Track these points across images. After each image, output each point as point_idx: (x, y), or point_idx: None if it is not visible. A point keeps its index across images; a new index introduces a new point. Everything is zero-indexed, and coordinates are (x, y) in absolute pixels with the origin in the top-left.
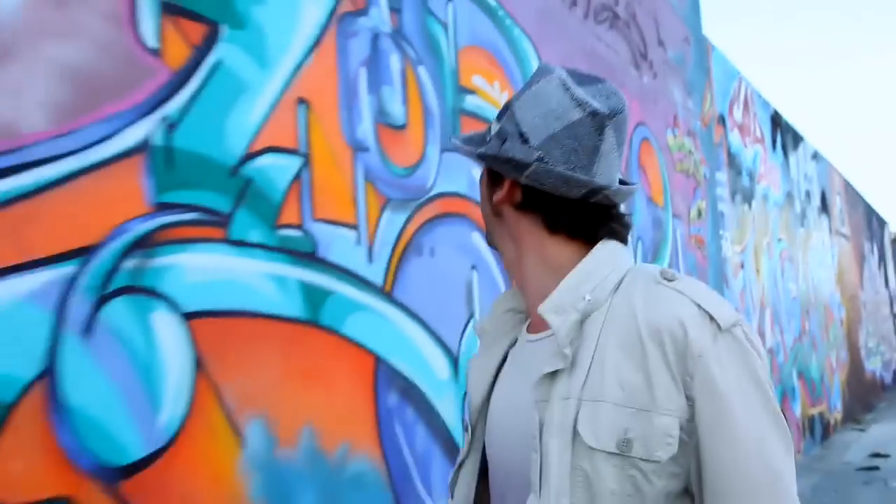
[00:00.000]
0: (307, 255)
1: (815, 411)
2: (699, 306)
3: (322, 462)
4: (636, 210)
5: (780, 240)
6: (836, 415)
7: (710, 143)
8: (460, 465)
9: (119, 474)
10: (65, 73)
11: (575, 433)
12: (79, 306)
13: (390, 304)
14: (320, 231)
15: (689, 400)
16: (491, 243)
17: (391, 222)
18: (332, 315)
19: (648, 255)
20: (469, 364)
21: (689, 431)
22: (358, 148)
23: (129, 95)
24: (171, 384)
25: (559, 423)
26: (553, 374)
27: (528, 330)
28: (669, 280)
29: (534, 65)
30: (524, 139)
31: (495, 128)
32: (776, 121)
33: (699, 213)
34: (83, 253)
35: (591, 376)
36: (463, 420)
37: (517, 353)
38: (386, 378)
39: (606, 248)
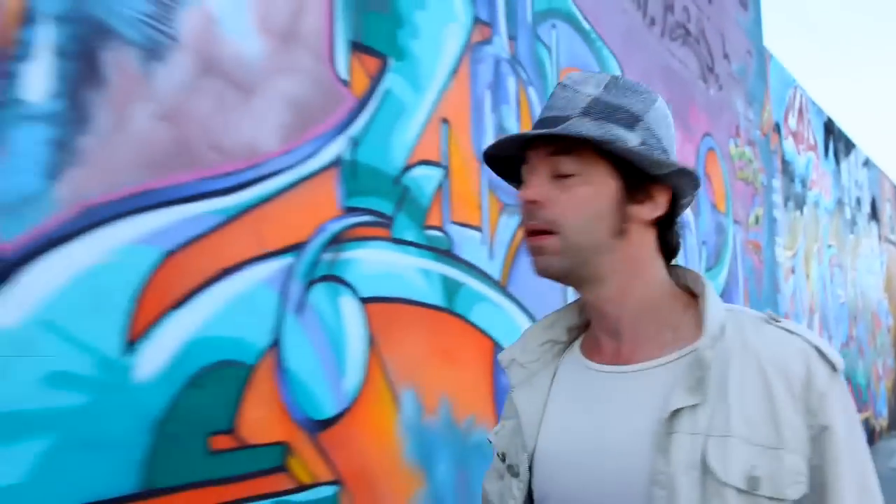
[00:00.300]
0: (445, 252)
1: (861, 417)
2: (814, 346)
3: (454, 430)
4: (702, 215)
5: (830, 246)
6: (882, 421)
7: (767, 151)
8: None
9: (318, 427)
10: (288, 103)
11: (705, 468)
12: (294, 290)
13: (505, 297)
14: (455, 232)
15: (811, 439)
16: (567, 277)
17: (507, 225)
18: (463, 304)
19: (711, 259)
20: (512, 398)
21: (810, 471)
22: (482, 160)
23: (327, 119)
24: (353, 356)
25: (687, 460)
26: (677, 410)
27: (591, 356)
28: (777, 321)
29: None
30: (665, 153)
31: (632, 137)
32: (829, 128)
33: (756, 220)
34: (297, 248)
35: (716, 412)
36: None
37: (582, 386)
38: None
39: (707, 280)
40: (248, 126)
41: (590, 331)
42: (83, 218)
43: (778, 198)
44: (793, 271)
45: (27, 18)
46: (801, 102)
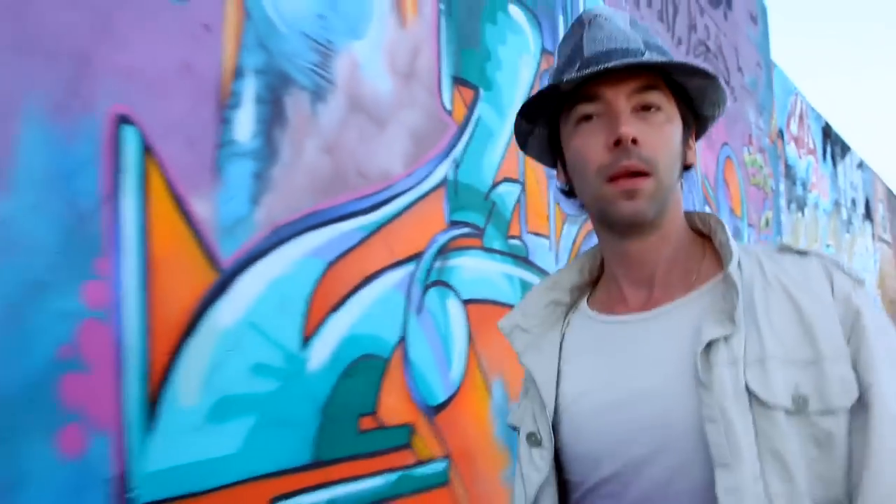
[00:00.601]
0: (523, 259)
1: None
2: (833, 262)
3: None
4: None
5: (828, 245)
6: None
7: (774, 157)
8: (540, 490)
9: (433, 411)
10: (409, 132)
11: (750, 395)
12: (415, 294)
13: None
14: (530, 241)
15: (849, 338)
16: (646, 224)
17: (569, 233)
18: None
19: None
20: (528, 368)
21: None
22: (549, 176)
23: (437, 145)
24: (458, 350)
25: (732, 389)
26: (710, 342)
27: (608, 310)
28: (790, 248)
29: None
30: None
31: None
32: (826, 132)
33: (766, 222)
34: (417, 257)
35: (749, 338)
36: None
37: (602, 339)
38: None
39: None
40: (382, 154)
41: (601, 288)
42: (273, 236)
43: (782, 201)
44: None
45: (238, 74)
46: (801, 109)
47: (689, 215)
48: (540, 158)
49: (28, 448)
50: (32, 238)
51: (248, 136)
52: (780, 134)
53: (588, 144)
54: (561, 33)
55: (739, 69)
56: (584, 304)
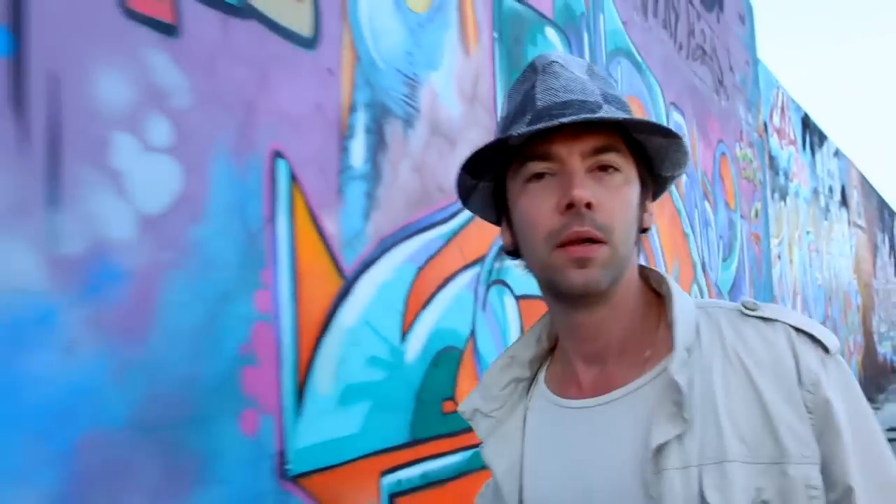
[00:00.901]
0: None
1: None
2: (800, 331)
3: None
4: (718, 213)
5: (808, 232)
6: None
7: (762, 150)
8: None
9: None
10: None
11: None
12: (481, 292)
13: None
14: None
15: (817, 432)
16: (599, 295)
17: None
18: None
19: (725, 251)
20: (485, 453)
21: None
22: None
23: None
24: (513, 341)
25: (683, 499)
26: (661, 444)
27: (563, 392)
28: (754, 310)
29: (661, 105)
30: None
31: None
32: (805, 122)
33: (756, 213)
34: (481, 259)
35: (705, 435)
36: None
37: (558, 428)
38: None
39: (671, 279)
40: (454, 170)
41: (555, 362)
42: (379, 247)
43: (768, 191)
44: (779, 258)
45: (352, 109)
46: (783, 101)
47: (644, 273)
48: (483, 214)
49: (221, 428)
50: (221, 256)
51: (361, 162)
52: (765, 127)
53: (537, 206)
54: (586, 49)
55: (731, 68)
56: (542, 379)
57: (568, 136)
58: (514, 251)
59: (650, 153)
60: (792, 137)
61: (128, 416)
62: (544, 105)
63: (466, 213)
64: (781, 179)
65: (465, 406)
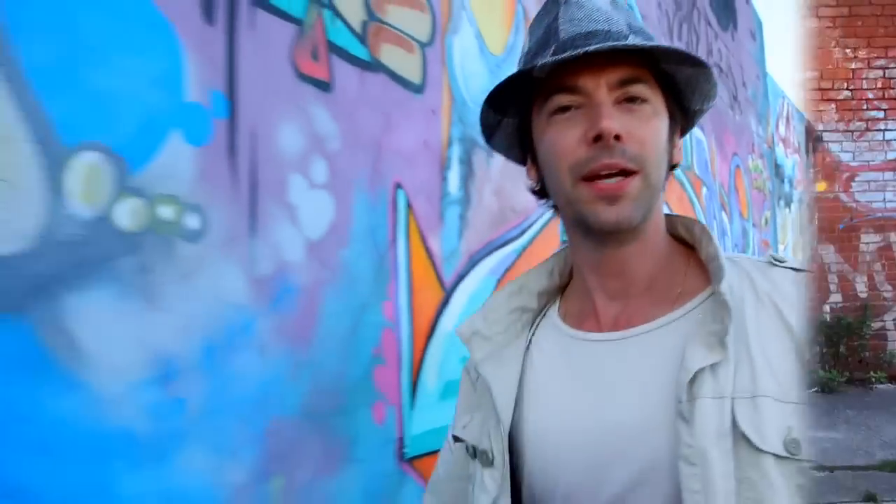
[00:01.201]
0: None
1: None
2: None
3: None
4: (734, 222)
5: None
6: None
7: (771, 161)
8: None
9: None
10: None
11: (737, 436)
12: None
13: None
14: None
15: None
16: (631, 229)
17: None
18: None
19: None
20: (472, 374)
21: None
22: None
23: None
24: None
25: (717, 428)
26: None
27: (579, 326)
28: (783, 261)
29: None
30: None
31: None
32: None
33: (766, 221)
34: None
35: (739, 369)
36: (449, 439)
37: (574, 358)
38: None
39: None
40: (522, 191)
41: (571, 296)
42: (469, 262)
43: (775, 199)
44: None
45: (449, 143)
46: (788, 111)
47: (670, 220)
48: (507, 153)
49: (360, 417)
50: (362, 274)
51: (456, 189)
52: (772, 137)
53: (562, 138)
54: None
55: (744, 84)
56: (553, 311)
57: (594, 67)
58: (539, 190)
59: (679, 85)
60: (796, 146)
61: (300, 406)
62: (568, 36)
63: (532, 231)
64: (787, 187)
65: (464, 327)
